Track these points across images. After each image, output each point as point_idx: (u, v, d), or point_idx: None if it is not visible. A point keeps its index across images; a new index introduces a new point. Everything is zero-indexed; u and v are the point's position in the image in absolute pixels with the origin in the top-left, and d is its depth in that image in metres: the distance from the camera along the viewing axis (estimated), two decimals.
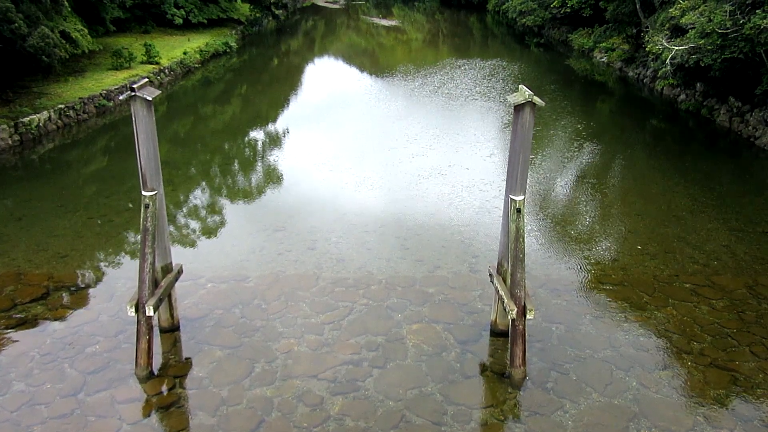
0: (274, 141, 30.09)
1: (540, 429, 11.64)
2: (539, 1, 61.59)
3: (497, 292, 13.57)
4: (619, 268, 17.47)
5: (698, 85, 34.73)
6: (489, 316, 14.67)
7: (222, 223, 20.47)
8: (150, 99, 12.13)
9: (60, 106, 30.31)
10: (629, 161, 27.55)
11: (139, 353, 12.83)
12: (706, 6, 27.60)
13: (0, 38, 27.22)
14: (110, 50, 39.62)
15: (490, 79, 43.29)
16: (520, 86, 12.38)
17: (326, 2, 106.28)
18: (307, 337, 14.15)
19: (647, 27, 39.16)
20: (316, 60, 57.67)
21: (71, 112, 30.93)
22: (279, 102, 39.05)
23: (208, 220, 20.82)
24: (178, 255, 16.87)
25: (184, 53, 45.53)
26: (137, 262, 14.42)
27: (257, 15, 68.23)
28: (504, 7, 76.65)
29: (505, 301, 12.81)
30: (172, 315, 14.30)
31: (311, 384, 12.68)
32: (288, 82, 45.58)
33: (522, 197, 12.66)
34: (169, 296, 13.99)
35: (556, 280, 16.80)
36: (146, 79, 13.25)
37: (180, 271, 14.25)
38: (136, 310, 12.67)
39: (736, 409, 12.19)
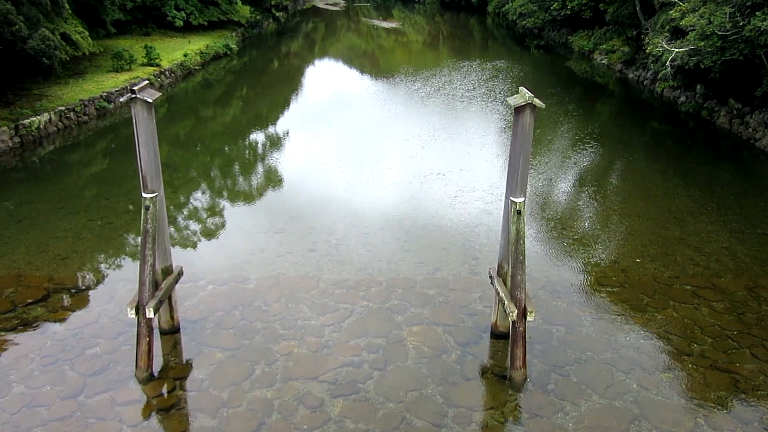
0: (274, 143, 30.11)
1: (540, 431, 11.63)
2: (539, 3, 61.64)
3: (497, 293, 13.57)
4: (619, 270, 17.47)
5: (698, 87, 34.74)
6: (489, 318, 14.66)
7: (222, 225, 20.47)
8: (150, 101, 12.14)
9: (60, 108, 30.34)
10: (629, 163, 27.55)
11: (139, 355, 12.83)
12: (706, 8, 27.62)
13: (1, 40, 27.25)
14: (111, 52, 39.67)
15: (490, 81, 43.32)
16: (520, 88, 12.38)
17: (327, 4, 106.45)
18: (308, 339, 14.15)
19: (647, 29, 39.19)
20: (317, 62, 57.72)
21: (72, 114, 30.95)
22: (279, 104, 39.08)
23: (209, 221, 20.83)
24: (179, 257, 16.88)
25: (185, 55, 45.58)
26: (137, 263, 14.42)
27: (258, 17, 68.30)
28: (504, 9, 76.74)
29: (506, 302, 12.80)
30: (172, 317, 14.30)
31: (311, 386, 12.67)
32: (288, 84, 45.62)
33: (522, 199, 12.65)
34: (170, 298, 13.99)
35: (556, 282, 16.79)
36: (147, 81, 13.26)
37: (180, 273, 14.25)
38: (137, 312, 12.67)
39: (737, 411, 12.18)
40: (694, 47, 27.91)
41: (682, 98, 36.33)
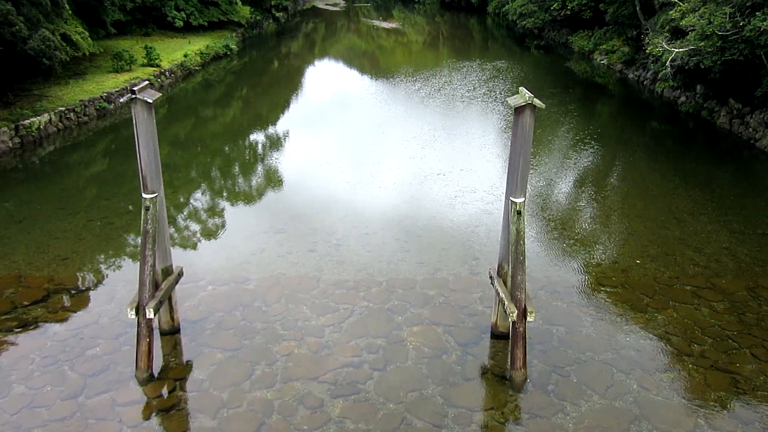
0: (274, 143, 30.12)
1: (541, 431, 11.62)
2: (539, 4, 61.63)
3: (498, 294, 13.56)
4: (619, 270, 17.46)
5: (698, 87, 34.74)
6: (489, 319, 14.66)
7: (222, 226, 20.47)
8: (150, 101, 12.15)
9: (60, 108, 30.34)
10: (630, 163, 27.55)
11: (139, 356, 12.83)
12: (706, 8, 27.63)
13: (1, 41, 27.25)
14: (111, 53, 39.68)
15: (490, 82, 43.32)
16: (520, 88, 12.38)
17: (327, 5, 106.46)
18: (308, 340, 14.15)
19: (647, 29, 39.19)
20: (317, 62, 57.72)
21: (72, 114, 30.96)
22: (279, 104, 39.09)
23: (209, 222, 20.83)
24: (179, 257, 16.88)
25: (185, 56, 45.59)
26: (137, 264, 14.42)
27: (258, 17, 68.30)
28: (504, 9, 76.72)
29: (506, 303, 12.80)
30: (172, 317, 14.30)
31: (311, 386, 12.67)
32: (288, 85, 45.63)
33: (522, 199, 12.65)
34: (170, 299, 13.99)
35: (556, 282, 16.79)
36: (147, 82, 13.26)
37: (180, 274, 14.25)
38: (137, 313, 12.67)
39: (737, 411, 12.18)
40: (694, 47, 27.91)
41: (682, 98, 36.33)
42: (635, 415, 12.00)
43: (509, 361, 13.18)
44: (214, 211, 21.75)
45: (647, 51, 34.59)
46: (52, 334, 14.28)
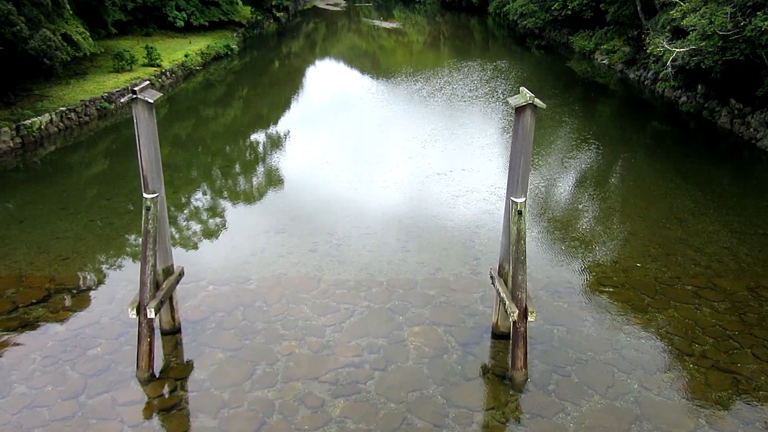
0: (275, 144, 30.12)
1: (541, 431, 11.62)
2: (540, 3, 61.59)
3: (498, 294, 13.56)
4: (620, 270, 17.46)
5: (699, 87, 34.72)
6: (490, 319, 14.66)
7: (223, 226, 20.47)
8: (151, 101, 12.15)
9: (61, 108, 30.36)
10: (630, 163, 27.54)
11: (140, 355, 12.83)
12: (707, 8, 27.61)
13: (1, 41, 27.27)
14: (112, 53, 39.71)
15: (491, 82, 43.32)
16: (521, 88, 12.37)
17: (327, 5, 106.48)
18: (309, 340, 14.15)
19: (648, 29, 39.17)
20: (318, 62, 57.73)
21: (73, 114, 30.98)
22: (280, 104, 39.10)
23: (210, 222, 20.83)
24: (180, 257, 16.89)
25: (186, 56, 45.61)
26: (138, 264, 14.43)
27: (258, 17, 68.36)
28: (505, 9, 76.70)
29: (507, 303, 12.80)
30: (173, 317, 14.31)
31: (312, 386, 12.67)
32: (289, 85, 45.64)
33: (523, 199, 12.65)
34: (171, 298, 14.00)
35: (557, 282, 16.78)
36: (147, 82, 13.27)
37: (181, 274, 14.25)
38: (138, 313, 12.68)
39: (738, 411, 12.17)
40: (695, 47, 27.90)
41: (683, 98, 36.31)
42: (636, 415, 12.00)
43: (510, 361, 13.18)
44: (214, 211, 21.76)
45: (648, 51, 34.57)
46: (53, 334, 14.29)
